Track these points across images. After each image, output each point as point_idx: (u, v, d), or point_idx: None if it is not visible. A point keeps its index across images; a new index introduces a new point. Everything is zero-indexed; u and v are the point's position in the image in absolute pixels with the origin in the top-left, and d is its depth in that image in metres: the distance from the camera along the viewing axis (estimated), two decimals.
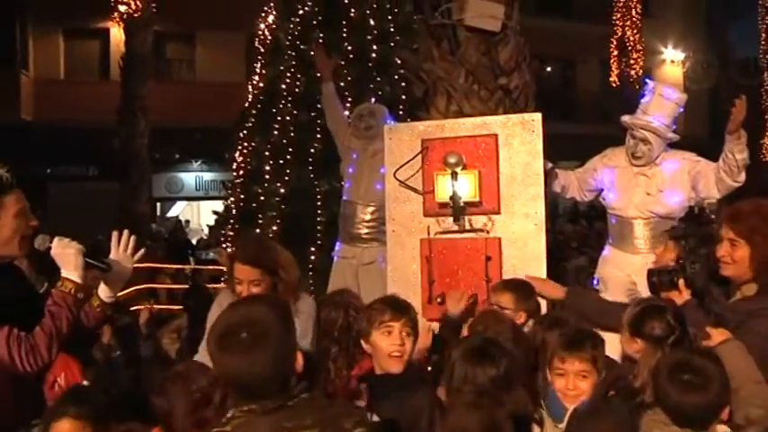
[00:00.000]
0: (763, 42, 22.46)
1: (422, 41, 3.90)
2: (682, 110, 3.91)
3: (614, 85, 18.59)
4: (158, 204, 18.98)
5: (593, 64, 20.91)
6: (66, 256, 2.31)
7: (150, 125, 14.19)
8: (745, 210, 2.49)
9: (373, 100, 6.20)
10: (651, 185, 3.75)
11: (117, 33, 16.09)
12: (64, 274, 2.30)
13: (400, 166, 3.38)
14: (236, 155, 7.94)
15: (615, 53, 18.65)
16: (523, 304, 2.96)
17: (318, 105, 6.89)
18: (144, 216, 14.40)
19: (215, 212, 8.70)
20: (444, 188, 3.23)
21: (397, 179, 3.39)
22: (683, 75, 22.52)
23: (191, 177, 19.16)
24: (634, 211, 3.76)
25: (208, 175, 18.93)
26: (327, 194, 6.52)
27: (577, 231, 12.73)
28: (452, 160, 3.14)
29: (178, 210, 19.82)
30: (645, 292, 3.05)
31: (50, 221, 2.45)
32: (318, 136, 6.76)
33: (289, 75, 7.32)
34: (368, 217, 4.48)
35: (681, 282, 2.71)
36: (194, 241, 15.03)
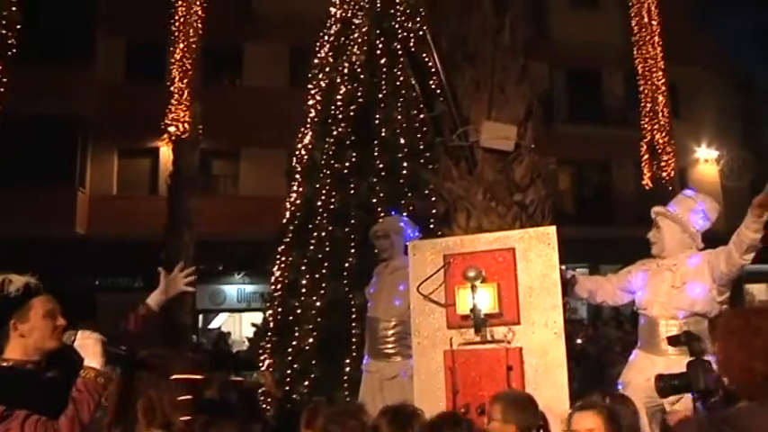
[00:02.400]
0: None
1: (442, 162, 4.17)
2: (702, 207, 4.01)
3: (647, 187, 18.70)
4: (201, 316, 19.28)
5: (628, 167, 21.14)
6: (88, 346, 2.55)
7: (195, 238, 14.71)
8: (719, 321, 2.55)
9: (405, 215, 6.46)
10: (676, 279, 3.87)
11: (166, 152, 17.02)
12: (86, 363, 2.54)
13: (423, 281, 3.56)
14: (275, 268, 8.21)
15: (646, 157, 18.88)
16: (513, 417, 2.86)
17: (353, 221, 7.24)
18: (186, 327, 14.65)
19: (254, 324, 8.89)
20: (465, 301, 3.39)
21: (421, 293, 3.57)
22: (719, 173, 22.60)
23: (233, 289, 19.50)
24: (659, 310, 3.86)
25: (249, 288, 19.25)
26: (362, 307, 6.69)
27: (621, 336, 12.52)
28: (472, 274, 3.32)
29: (220, 321, 20.05)
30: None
31: (99, 331, 2.71)
32: (353, 250, 7.03)
33: (324, 192, 7.69)
34: (390, 332, 4.66)
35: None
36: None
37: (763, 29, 24.26)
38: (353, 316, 6.84)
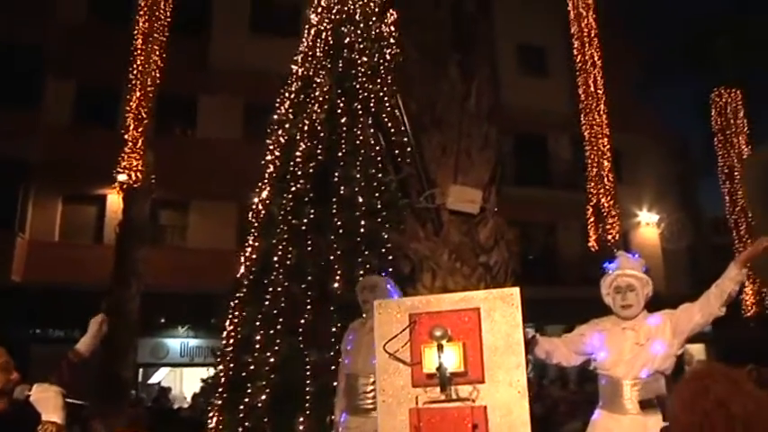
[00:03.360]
0: (728, 204, 23.68)
1: (408, 223, 4.27)
2: (645, 269, 4.22)
3: (593, 249, 19.26)
4: (141, 370, 18.72)
5: (574, 229, 21.71)
6: (47, 399, 2.47)
7: (142, 289, 14.40)
8: (713, 386, 2.66)
9: (362, 272, 6.51)
10: (640, 337, 3.99)
11: (114, 200, 16.74)
12: (45, 417, 2.44)
13: (389, 340, 3.59)
14: (227, 323, 8.10)
15: (592, 219, 19.51)
16: None
17: (309, 278, 7.24)
18: (127, 381, 14.22)
19: (203, 380, 8.70)
20: (431, 360, 3.43)
21: (387, 351, 3.60)
22: (660, 236, 23.46)
23: (176, 343, 19.05)
24: (624, 369, 3.96)
25: (194, 342, 18.85)
26: (316, 364, 6.66)
27: (565, 396, 12.67)
28: (438, 333, 3.37)
29: (161, 376, 19.50)
30: None
31: (32, 383, 2.63)
32: (309, 307, 7.01)
33: (281, 247, 7.69)
34: (369, 388, 4.66)
35: None
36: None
37: (699, 97, 25.59)
38: (308, 373, 6.79)
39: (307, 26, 9.61)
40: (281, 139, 8.76)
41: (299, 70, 9.15)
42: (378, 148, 7.84)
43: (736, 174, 22.95)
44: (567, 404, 11.68)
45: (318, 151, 8.12)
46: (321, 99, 8.54)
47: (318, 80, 8.76)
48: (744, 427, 1.41)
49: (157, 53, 15.01)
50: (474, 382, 3.47)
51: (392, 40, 8.96)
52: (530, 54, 22.77)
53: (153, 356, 18.80)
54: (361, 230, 7.44)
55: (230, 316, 8.07)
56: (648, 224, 23.49)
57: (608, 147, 19.82)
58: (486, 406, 3.43)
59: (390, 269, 6.80)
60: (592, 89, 19.90)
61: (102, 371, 13.57)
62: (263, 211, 8.47)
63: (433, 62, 4.37)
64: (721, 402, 1.48)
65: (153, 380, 19.29)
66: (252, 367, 7.22)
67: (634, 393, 3.87)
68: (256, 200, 8.78)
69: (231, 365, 7.63)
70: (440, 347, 3.37)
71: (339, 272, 6.95)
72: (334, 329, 6.44)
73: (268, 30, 19.07)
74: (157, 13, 15.21)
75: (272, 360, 7.07)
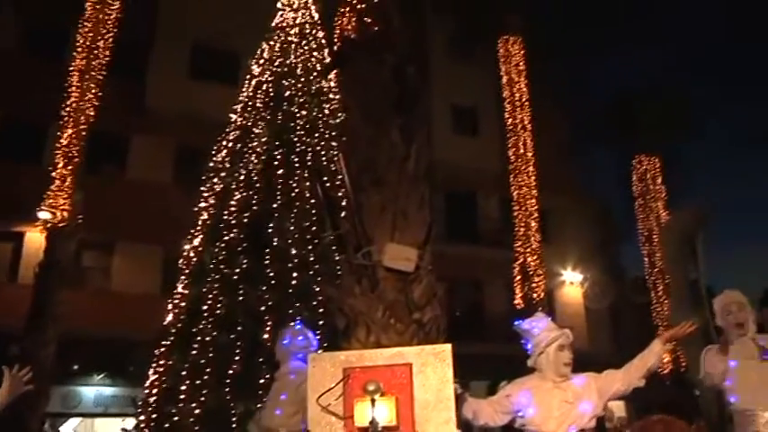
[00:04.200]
0: (647, 265, 24.72)
1: (344, 278, 4.34)
2: None
3: (519, 307, 19.67)
4: (47, 420, 17.72)
5: (500, 287, 22.10)
6: None
7: (59, 333, 13.77)
8: (653, 426, 2.83)
9: (293, 324, 6.52)
10: (567, 395, 4.12)
11: (33, 237, 16.10)
12: None
13: (322, 393, 3.64)
14: (151, 372, 7.90)
15: (518, 278, 19.97)
16: None
17: (239, 328, 7.19)
18: None
19: (124, 430, 8.42)
20: (364, 414, 3.49)
21: (320, 405, 3.64)
22: (583, 294, 24.18)
23: (90, 391, 18.18)
24: (554, 425, 4.07)
25: (109, 390, 18.04)
26: (243, 416, 6.57)
27: None
28: (371, 388, 3.44)
29: (71, 426, 18.53)
30: None
31: None
32: (237, 358, 6.95)
33: (211, 296, 7.62)
34: None
35: None
36: None
37: (621, 163, 26.79)
38: (234, 425, 6.68)
39: (248, 76, 9.74)
40: (217, 186, 8.77)
41: (238, 119, 9.23)
42: (313, 201, 7.95)
43: (654, 237, 24.03)
44: None
45: (254, 201, 8.17)
46: (259, 149, 8.63)
47: (257, 130, 8.86)
48: None
49: (93, 91, 14.77)
50: None
51: (332, 96, 9.18)
52: (462, 114, 23.48)
53: (64, 406, 17.79)
54: (294, 282, 7.48)
55: (155, 364, 7.88)
56: (572, 283, 24.17)
57: (535, 207, 20.47)
58: None
59: (322, 322, 6.85)
60: (521, 151, 20.64)
61: (6, 422, 12.83)
62: (194, 259, 8.39)
63: (376, 123, 4.53)
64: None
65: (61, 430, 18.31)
66: (176, 418, 7.06)
67: None
68: (188, 246, 8.69)
69: (153, 416, 7.44)
70: (373, 402, 3.45)
71: (270, 323, 6.93)
72: (262, 381, 6.40)
73: (207, 75, 19.10)
74: (96, 52, 15.03)
75: (197, 411, 6.94)
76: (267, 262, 7.63)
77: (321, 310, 7.13)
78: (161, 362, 7.80)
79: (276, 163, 8.44)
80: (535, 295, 19.39)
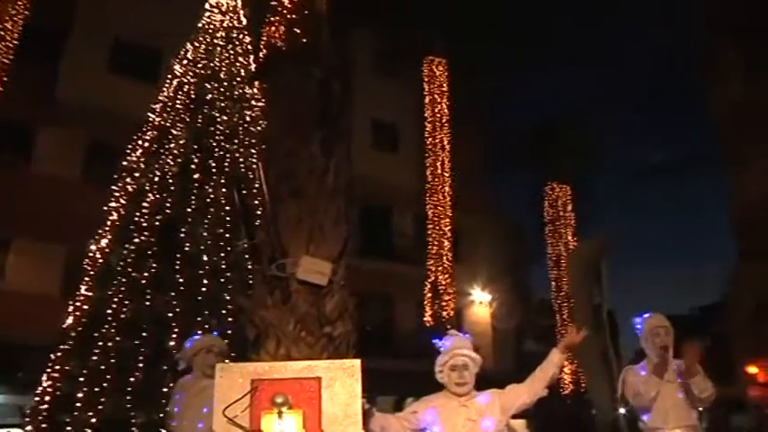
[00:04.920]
0: (554, 289, 25.58)
1: (257, 289, 4.28)
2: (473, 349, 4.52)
3: (428, 324, 19.91)
4: None
5: (410, 303, 22.30)
6: None
7: None
8: None
9: (200, 332, 6.38)
10: (471, 413, 4.23)
11: None
12: None
13: (229, 405, 3.57)
14: (44, 378, 7.52)
15: (429, 295, 20.24)
16: None
17: (144, 334, 6.96)
18: None
19: None
20: (271, 426, 3.45)
21: (226, 416, 3.57)
22: (491, 314, 24.72)
23: None
24: None
25: None
26: (144, 427, 6.36)
27: None
28: (279, 400, 3.41)
29: None
30: None
31: None
32: (140, 365, 6.72)
33: (116, 300, 7.36)
34: None
35: None
36: None
37: (535, 188, 27.66)
38: None
39: (170, 76, 9.51)
40: (129, 187, 8.50)
41: (156, 119, 8.99)
42: (228, 208, 7.82)
43: (562, 261, 24.91)
44: None
45: (167, 205, 7.96)
46: (176, 152, 8.43)
47: (175, 132, 8.65)
48: None
49: None
50: None
51: (254, 103, 9.08)
52: (383, 130, 23.63)
53: None
54: (204, 290, 7.32)
55: (49, 369, 7.52)
56: (481, 303, 24.67)
57: (449, 227, 20.84)
58: None
59: (231, 332, 6.73)
60: (439, 170, 21.01)
61: None
62: (100, 260, 8.09)
63: (297, 135, 4.51)
64: None
65: None
66: (69, 428, 6.74)
67: None
68: (94, 247, 8.37)
69: (44, 426, 7.07)
70: (280, 414, 3.41)
71: (177, 330, 6.75)
72: (165, 390, 6.21)
73: (126, 71, 18.47)
74: (2, 33, 14.29)
75: (93, 420, 6.66)
76: (177, 268, 7.44)
77: (231, 320, 7.01)
78: (56, 367, 7.44)
79: (193, 167, 8.26)
80: (445, 313, 19.70)
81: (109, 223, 8.35)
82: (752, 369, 19.40)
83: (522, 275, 29.40)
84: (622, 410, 5.93)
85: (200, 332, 6.56)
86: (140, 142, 8.91)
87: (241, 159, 8.38)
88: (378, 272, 20.16)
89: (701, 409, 4.96)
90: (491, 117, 26.26)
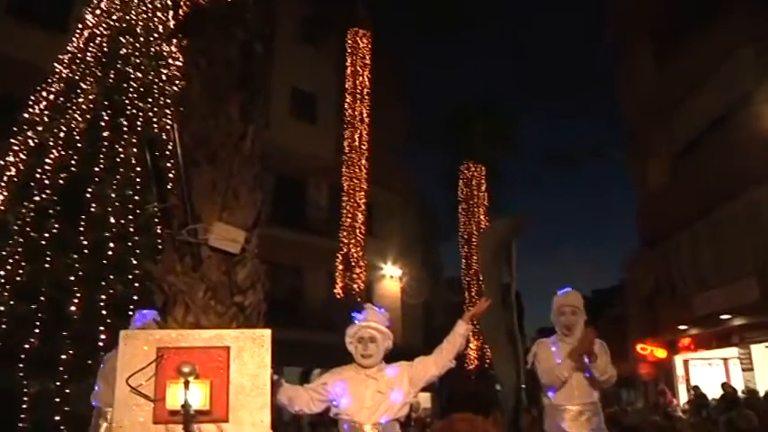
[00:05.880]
0: (464, 267, 26.15)
1: (166, 254, 4.13)
2: (389, 324, 4.55)
3: (339, 296, 19.96)
4: None
5: (321, 275, 22.28)
6: None
7: None
8: (456, 425, 2.93)
9: (104, 297, 6.14)
10: (381, 386, 4.25)
11: None
12: None
13: (133, 373, 3.45)
14: None
15: (341, 267, 20.26)
16: None
17: (41, 298, 6.61)
18: None
19: None
20: (176, 396, 3.36)
21: (129, 385, 3.45)
22: (401, 289, 25.04)
23: None
24: (366, 415, 4.17)
25: None
26: (38, 396, 6.07)
27: None
28: (186, 369, 3.32)
29: None
30: None
31: None
32: (36, 331, 6.40)
33: (11, 261, 6.96)
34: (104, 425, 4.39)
35: None
36: None
37: (451, 166, 28.05)
38: (25, 406, 6.14)
39: (80, 26, 8.99)
40: (31, 141, 8.03)
41: (64, 71, 8.50)
42: (139, 169, 7.51)
43: (473, 240, 25.44)
44: None
45: (73, 163, 7.57)
46: (84, 107, 8.01)
47: (84, 86, 8.21)
48: None
49: None
50: (218, 421, 3.45)
51: (171, 62, 8.72)
52: (302, 99, 23.30)
53: None
54: (110, 253, 7.03)
55: None
56: (392, 277, 24.94)
57: (364, 200, 20.87)
58: None
59: (136, 297, 6.51)
60: (356, 143, 20.93)
61: None
62: None
63: (216, 98, 4.35)
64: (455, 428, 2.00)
65: None
66: None
67: None
68: None
69: None
70: (186, 384, 3.32)
71: (78, 295, 6.46)
72: (64, 357, 5.95)
73: (31, 16, 17.30)
74: None
75: None
76: (81, 229, 7.09)
77: (137, 286, 6.76)
78: None
79: (102, 124, 7.87)
80: (355, 286, 19.79)
81: (6, 179, 7.87)
82: (642, 348, 20.57)
83: (433, 252, 29.92)
84: (524, 386, 6.13)
85: (104, 297, 6.34)
86: (45, 94, 8.40)
87: (155, 119, 8.04)
88: (290, 242, 20.01)
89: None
90: (411, 94, 26.36)
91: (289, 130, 20.92)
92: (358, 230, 20.38)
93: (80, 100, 8.06)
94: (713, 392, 15.66)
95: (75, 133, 7.79)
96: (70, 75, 8.38)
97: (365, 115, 21.16)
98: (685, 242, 19.04)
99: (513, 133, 28.67)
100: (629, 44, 22.23)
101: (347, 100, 21.26)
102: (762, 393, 13.50)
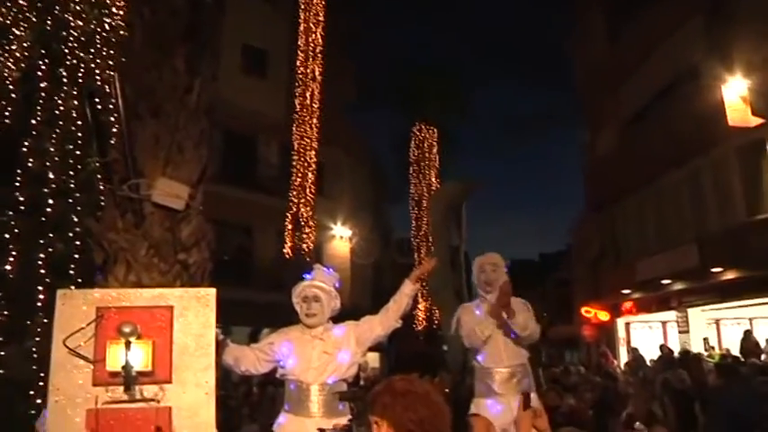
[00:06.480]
0: (414, 228, 26.34)
1: (107, 211, 3.99)
2: (339, 285, 4.51)
3: (288, 256, 19.86)
4: None
5: (270, 234, 22.08)
6: None
7: None
8: (377, 391, 2.93)
9: (42, 256, 5.91)
10: (328, 346, 4.22)
11: None
12: None
13: (71, 334, 3.34)
14: None
15: (290, 227, 20.13)
16: None
17: None
18: None
19: None
20: (117, 357, 3.26)
21: (67, 346, 3.33)
22: (350, 250, 25.07)
23: None
24: (313, 375, 4.14)
25: None
26: None
27: (249, 398, 12.81)
28: (127, 330, 3.22)
29: None
30: None
31: None
32: None
33: None
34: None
35: None
36: None
37: (403, 127, 28.04)
38: None
39: None
40: None
41: None
42: (80, 123, 7.21)
43: (424, 202, 25.58)
44: (249, 406, 11.86)
45: (7, 114, 7.20)
46: (18, 55, 7.60)
47: (18, 33, 7.78)
48: (402, 397, 2.21)
49: None
50: (161, 383, 3.38)
51: (115, 10, 8.32)
52: (253, 55, 22.72)
53: None
54: (49, 210, 6.76)
55: None
56: (342, 238, 24.91)
57: (314, 159, 20.67)
58: (171, 407, 3.36)
59: (77, 256, 6.30)
60: (308, 101, 20.63)
61: None
62: None
63: (160, 49, 4.17)
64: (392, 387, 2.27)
65: None
66: None
67: (321, 397, 4.11)
68: None
69: None
70: (128, 344, 3.23)
71: (14, 254, 6.20)
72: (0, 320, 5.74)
73: None
74: None
75: None
76: (18, 185, 6.79)
77: (77, 243, 6.53)
78: None
79: (39, 74, 7.49)
80: (305, 246, 19.71)
81: None
82: (586, 311, 21.15)
83: (383, 213, 30.00)
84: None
85: (42, 256, 6.10)
86: None
87: (97, 70, 7.70)
88: (238, 200, 19.74)
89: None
90: (365, 55, 26.05)
91: (239, 85, 20.40)
92: (308, 190, 20.22)
93: (14, 47, 7.63)
94: (652, 354, 16.24)
95: (8, 83, 7.39)
96: (1, 18, 7.92)
97: (317, 73, 20.84)
98: (631, 208, 19.50)
99: (467, 97, 28.72)
100: (581, 13, 22.37)
101: (299, 57, 20.87)
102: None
